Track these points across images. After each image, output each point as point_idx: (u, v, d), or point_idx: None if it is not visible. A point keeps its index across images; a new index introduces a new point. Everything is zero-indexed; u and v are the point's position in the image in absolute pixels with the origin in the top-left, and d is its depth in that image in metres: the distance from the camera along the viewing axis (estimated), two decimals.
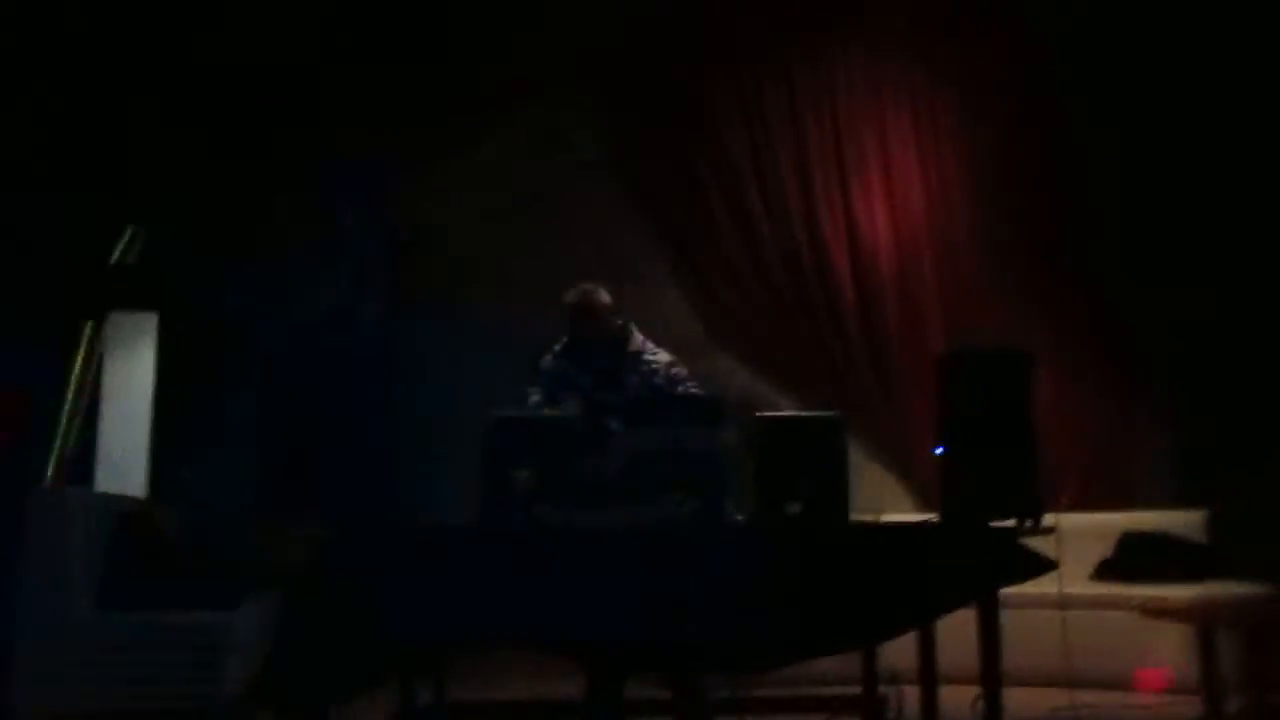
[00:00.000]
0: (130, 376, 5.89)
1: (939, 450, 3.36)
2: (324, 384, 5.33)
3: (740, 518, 3.19)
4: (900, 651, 3.41)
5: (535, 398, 3.85)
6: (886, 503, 5.59)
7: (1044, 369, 5.62)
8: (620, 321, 3.94)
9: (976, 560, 3.10)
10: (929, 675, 3.26)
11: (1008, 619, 3.20)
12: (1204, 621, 4.03)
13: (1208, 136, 5.62)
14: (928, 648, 3.24)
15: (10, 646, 3.76)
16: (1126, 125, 5.90)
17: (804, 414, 3.44)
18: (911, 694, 3.42)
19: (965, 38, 6.11)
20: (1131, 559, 4.98)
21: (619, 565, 2.92)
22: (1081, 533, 4.86)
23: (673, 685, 3.75)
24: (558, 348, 3.95)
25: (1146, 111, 5.83)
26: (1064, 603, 3.97)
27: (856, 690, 3.56)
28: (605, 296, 3.93)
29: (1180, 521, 5.13)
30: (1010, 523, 3.20)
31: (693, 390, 3.85)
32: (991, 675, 3.17)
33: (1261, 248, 5.43)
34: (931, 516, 3.46)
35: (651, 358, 3.92)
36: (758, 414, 3.23)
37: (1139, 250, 5.90)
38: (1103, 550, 5.10)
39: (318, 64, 5.72)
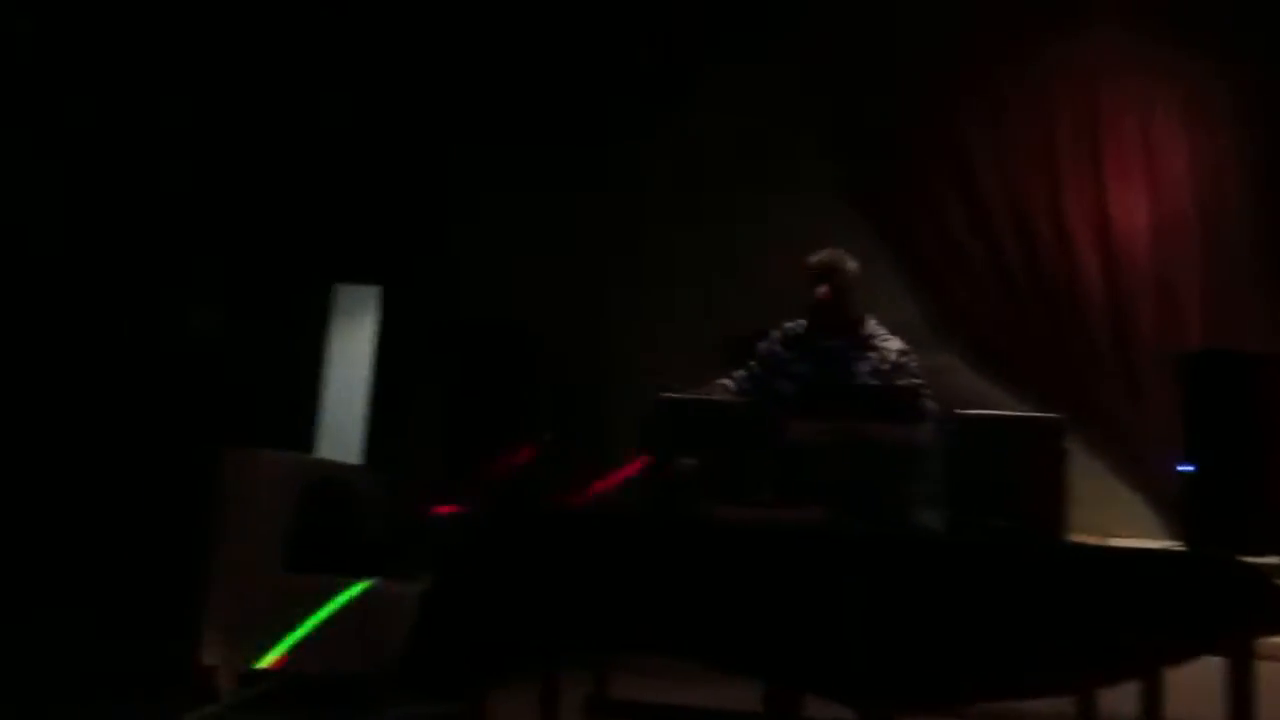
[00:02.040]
0: (352, 347, 6.09)
1: (1185, 467, 2.88)
2: (518, 362, 5.28)
3: (934, 529, 2.82)
4: (1125, 696, 2.93)
5: (725, 380, 3.59)
6: (1130, 526, 4.99)
7: None
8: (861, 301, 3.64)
9: (1224, 603, 2.59)
10: None
11: (1268, 670, 2.69)
12: None
13: None
14: (1154, 697, 2.75)
15: (203, 606, 3.88)
16: None
17: (1016, 414, 3.02)
18: None
19: (1246, 7, 5.35)
20: None
21: (788, 572, 2.62)
22: None
23: (857, 709, 3.43)
24: (788, 325, 3.69)
25: None
26: None
27: None
28: (854, 265, 3.63)
29: None
30: (1270, 559, 2.68)
31: (914, 384, 3.48)
32: None
33: None
34: (1173, 544, 2.97)
35: (883, 344, 3.59)
36: (958, 411, 2.83)
37: None
38: None
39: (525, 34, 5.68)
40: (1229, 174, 5.30)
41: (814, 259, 3.61)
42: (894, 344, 3.60)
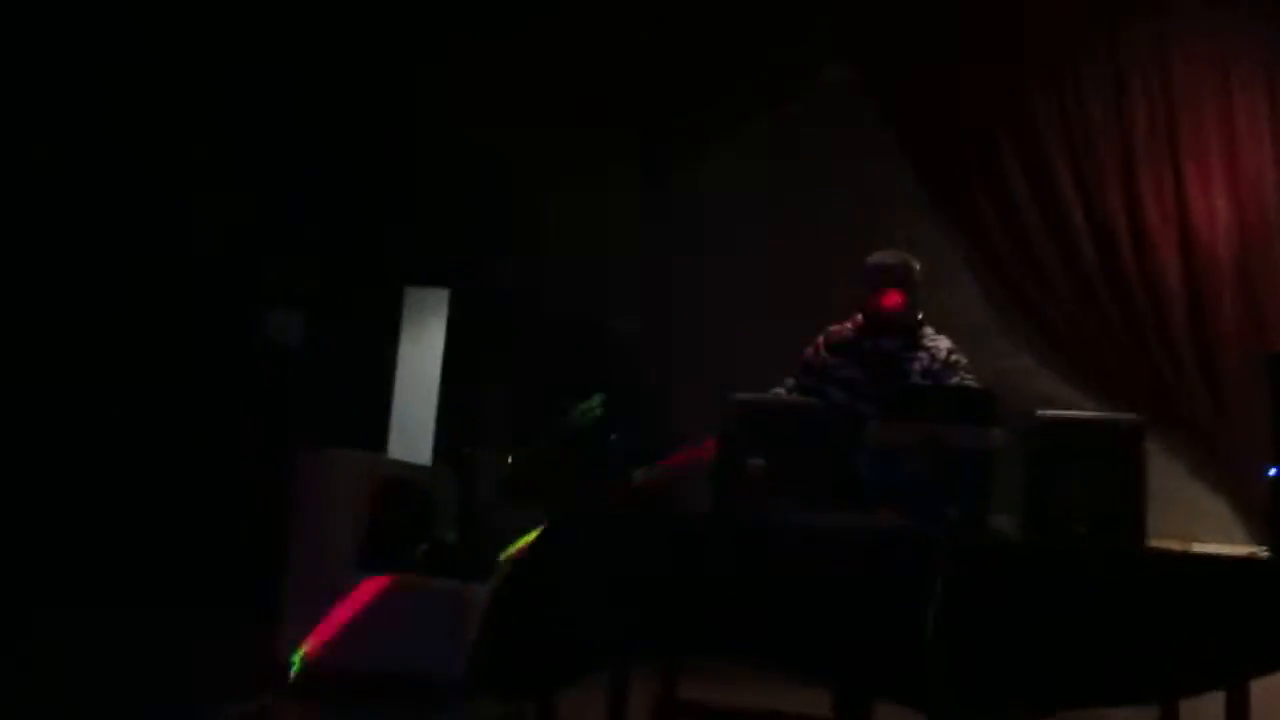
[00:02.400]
0: (423, 349, 6.17)
1: (1272, 471, 2.79)
2: (581, 370, 5.29)
3: (1009, 534, 2.77)
4: (1207, 710, 2.85)
5: (778, 390, 3.57)
6: (1211, 530, 4.86)
7: None
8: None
9: None
10: None
11: None
12: None
13: None
14: (1239, 708, 2.66)
15: (280, 604, 3.96)
16: None
17: (1094, 415, 2.94)
18: None
19: None
20: None
21: (859, 576, 2.59)
22: None
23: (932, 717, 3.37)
24: (831, 329, 3.65)
25: None
26: None
27: None
28: (917, 266, 3.60)
29: None
30: None
31: (967, 381, 3.45)
32: None
33: None
34: (1260, 550, 2.88)
35: (932, 344, 3.56)
36: (1038, 413, 2.78)
37: None
38: None
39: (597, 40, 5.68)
40: None
41: (885, 261, 3.55)
42: (943, 343, 3.57)
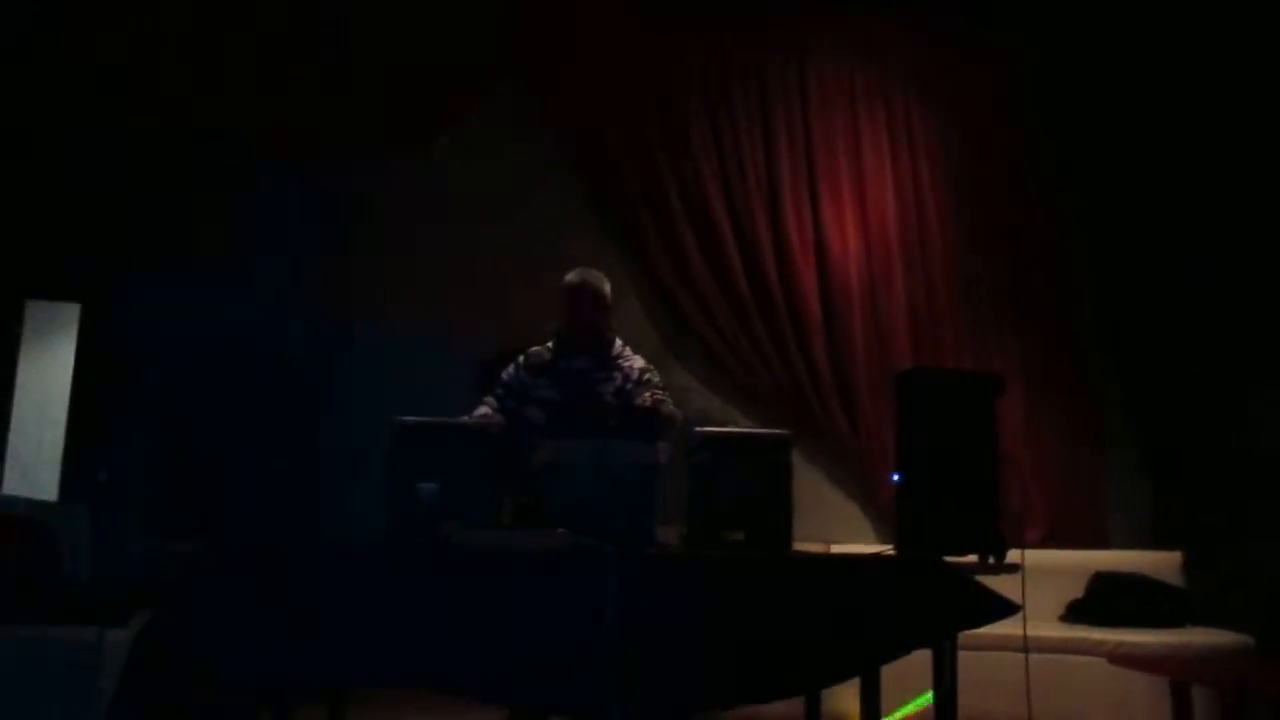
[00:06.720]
0: (47, 371, 5.54)
1: (896, 477, 3.08)
2: (237, 390, 4.96)
3: (672, 543, 2.88)
4: (848, 691, 3.10)
5: (482, 409, 3.53)
6: (848, 531, 5.32)
7: (1016, 398, 5.43)
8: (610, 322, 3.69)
9: (932, 601, 2.79)
10: None
11: (966, 659, 2.91)
12: (1177, 674, 3.75)
13: (1191, 167, 5.41)
14: (870, 692, 2.92)
15: None
16: (1113, 147, 5.68)
17: (747, 431, 3.13)
18: None
19: (946, 48, 5.89)
20: (1103, 601, 4.70)
21: (532, 595, 2.60)
22: (1050, 571, 4.61)
23: None
24: (532, 350, 3.65)
25: (1133, 130, 5.62)
26: (1028, 645, 3.66)
27: None
28: (608, 287, 3.66)
29: (1155, 563, 4.88)
30: (971, 558, 2.92)
31: (657, 396, 3.56)
32: None
33: (1243, 284, 5.19)
34: (887, 549, 3.18)
35: (626, 363, 3.64)
36: (696, 429, 2.92)
37: (1122, 281, 5.68)
38: (1072, 590, 4.84)
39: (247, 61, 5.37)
40: (930, 204, 5.77)
41: (575, 281, 3.61)
42: (637, 362, 3.67)
